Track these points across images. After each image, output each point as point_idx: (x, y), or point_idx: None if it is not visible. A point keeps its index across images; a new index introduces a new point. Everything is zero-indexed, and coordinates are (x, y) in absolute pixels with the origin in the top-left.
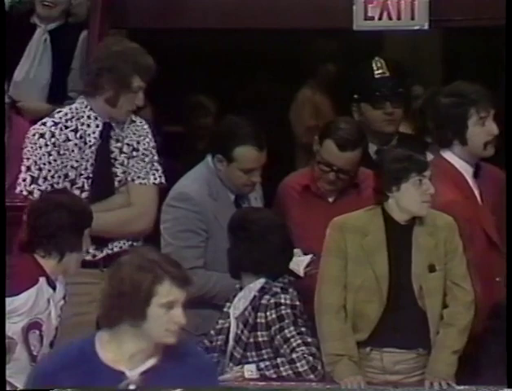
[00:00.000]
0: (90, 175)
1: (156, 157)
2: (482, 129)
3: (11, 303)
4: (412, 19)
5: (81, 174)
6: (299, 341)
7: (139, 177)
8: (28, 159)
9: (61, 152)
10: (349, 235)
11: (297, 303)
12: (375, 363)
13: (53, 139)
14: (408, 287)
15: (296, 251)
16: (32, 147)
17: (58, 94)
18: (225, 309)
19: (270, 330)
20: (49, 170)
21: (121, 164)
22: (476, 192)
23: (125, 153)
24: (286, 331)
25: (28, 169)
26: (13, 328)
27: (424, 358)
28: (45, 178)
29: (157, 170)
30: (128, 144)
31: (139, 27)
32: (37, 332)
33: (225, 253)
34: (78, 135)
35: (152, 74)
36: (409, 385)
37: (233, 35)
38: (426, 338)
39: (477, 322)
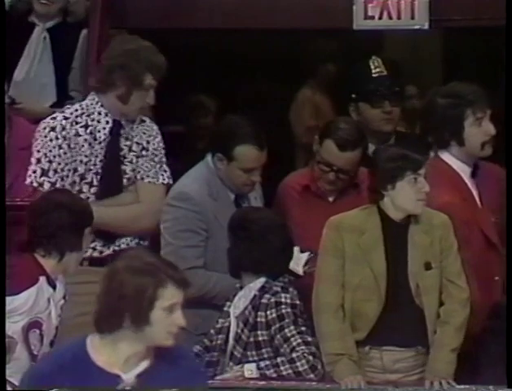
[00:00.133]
0: (99, 171)
1: (164, 159)
2: (479, 130)
3: (11, 302)
4: (412, 18)
5: (91, 169)
6: (299, 340)
7: (148, 175)
8: (38, 151)
9: (71, 146)
10: (346, 234)
11: (298, 302)
12: (374, 362)
13: (63, 132)
14: (405, 285)
15: (294, 249)
16: (42, 140)
17: (59, 93)
18: (225, 309)
19: (270, 329)
20: (59, 163)
21: (130, 162)
22: (474, 193)
23: (134, 152)
24: (286, 330)
25: (39, 161)
26: (13, 328)
27: (423, 356)
28: (55, 171)
29: (166, 171)
30: (137, 143)
31: (138, 27)
32: (38, 332)
33: (225, 253)
34: (88, 131)
35: (163, 73)
36: (409, 384)
37: (233, 35)
38: (425, 336)
39: (477, 322)
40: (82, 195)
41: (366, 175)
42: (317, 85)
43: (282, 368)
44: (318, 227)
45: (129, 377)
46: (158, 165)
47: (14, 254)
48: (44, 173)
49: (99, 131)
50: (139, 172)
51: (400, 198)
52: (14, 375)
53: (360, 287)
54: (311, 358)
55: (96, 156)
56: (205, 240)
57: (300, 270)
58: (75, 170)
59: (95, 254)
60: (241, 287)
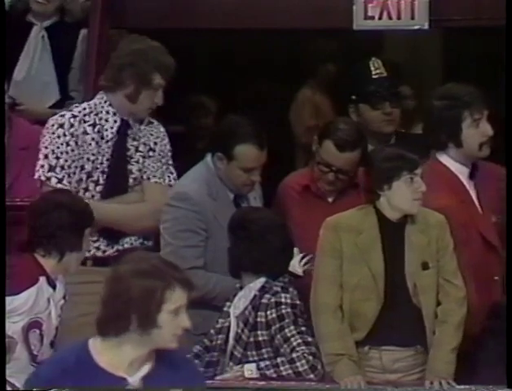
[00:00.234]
0: (106, 170)
1: (171, 161)
2: (476, 131)
3: (11, 302)
4: (412, 18)
5: (97, 168)
6: (299, 341)
7: (154, 176)
8: (46, 148)
9: (79, 143)
10: (343, 234)
11: (298, 302)
12: (374, 362)
13: (71, 130)
14: (403, 284)
15: (295, 251)
16: (50, 137)
17: (62, 91)
18: (225, 309)
19: (270, 329)
20: (66, 160)
21: (137, 162)
22: (473, 195)
23: (141, 152)
24: (286, 330)
25: (46, 156)
26: (13, 328)
27: (422, 355)
28: (62, 167)
29: (172, 173)
30: (145, 144)
31: (138, 27)
32: (38, 332)
33: (225, 253)
34: (96, 129)
35: (172, 73)
36: (409, 384)
37: (233, 35)
38: (423, 335)
39: (476, 322)
40: (88, 194)
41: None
42: (317, 85)
43: (282, 368)
44: (318, 227)
45: (134, 380)
46: (165, 166)
47: (14, 254)
48: (51, 168)
49: (106, 130)
50: (145, 172)
51: (397, 198)
52: (14, 375)
53: (359, 287)
54: (311, 358)
55: (103, 155)
56: (204, 240)
57: (300, 271)
58: (82, 168)
59: (99, 254)
60: (241, 288)
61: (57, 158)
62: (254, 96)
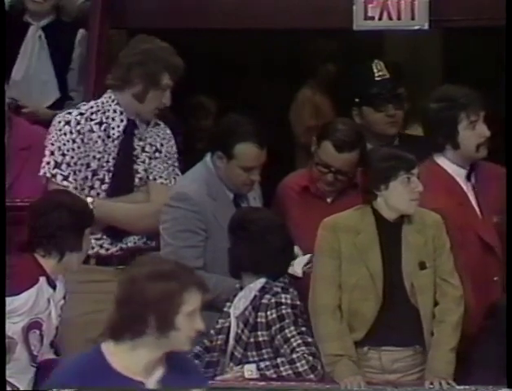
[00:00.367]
0: (112, 168)
1: (177, 163)
2: (473, 133)
3: (11, 303)
4: (413, 19)
5: (103, 166)
6: (299, 341)
7: (161, 177)
8: (52, 144)
9: (85, 141)
10: (342, 235)
11: (298, 303)
12: (373, 363)
13: (78, 127)
14: (400, 284)
15: (296, 251)
16: (57, 134)
17: (61, 89)
18: (225, 309)
19: (270, 329)
20: (72, 157)
21: (143, 162)
22: (470, 196)
23: (147, 152)
24: (286, 330)
25: (52, 153)
26: (13, 328)
27: (421, 355)
28: (68, 164)
29: (178, 174)
30: (151, 144)
31: (138, 27)
32: (38, 332)
33: (224, 253)
34: (102, 128)
35: (180, 74)
36: (408, 384)
37: (233, 35)
38: (422, 335)
39: (475, 322)
40: (93, 192)
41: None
42: (317, 85)
43: (282, 369)
44: (317, 228)
45: (151, 383)
46: (171, 168)
47: (14, 254)
48: (57, 165)
49: (113, 128)
50: (151, 172)
51: (393, 198)
52: (14, 375)
53: (357, 287)
54: (311, 358)
55: (109, 154)
56: (204, 240)
57: (299, 272)
58: (88, 165)
59: (102, 252)
60: (241, 288)
61: (63, 155)
62: (254, 96)
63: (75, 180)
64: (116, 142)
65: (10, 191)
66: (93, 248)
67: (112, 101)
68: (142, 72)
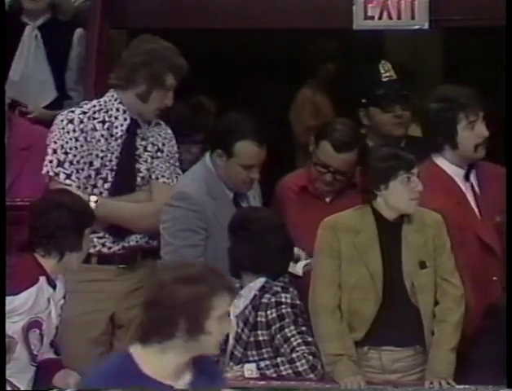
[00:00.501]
0: (115, 167)
1: (178, 163)
2: (471, 133)
3: (11, 302)
4: (412, 18)
5: (106, 165)
6: (299, 340)
7: (163, 176)
8: (55, 142)
9: (88, 139)
10: (342, 234)
11: (298, 302)
12: (373, 362)
13: (81, 125)
14: (401, 284)
15: (299, 253)
16: (59, 132)
17: (59, 89)
18: None
19: (270, 329)
20: (74, 155)
21: (145, 162)
22: (469, 197)
23: (149, 152)
24: (286, 330)
25: (55, 151)
26: (13, 327)
27: (421, 355)
28: (71, 162)
29: (179, 174)
30: (153, 144)
31: (138, 27)
32: (38, 331)
33: (225, 252)
34: (105, 126)
35: (184, 74)
36: (408, 384)
37: (233, 35)
38: (422, 335)
39: (475, 323)
40: (96, 190)
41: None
42: (317, 85)
43: (282, 368)
44: (315, 228)
45: (181, 385)
46: (173, 167)
47: (14, 254)
48: (60, 163)
49: (116, 127)
50: (154, 172)
51: (393, 198)
52: (14, 375)
53: (357, 287)
54: (310, 358)
55: (112, 153)
56: (204, 240)
57: (300, 272)
58: (91, 164)
59: (104, 250)
60: (241, 287)
61: (66, 153)
62: (254, 96)
63: (78, 178)
64: (119, 140)
65: (10, 191)
66: (95, 246)
67: (115, 100)
68: (146, 72)
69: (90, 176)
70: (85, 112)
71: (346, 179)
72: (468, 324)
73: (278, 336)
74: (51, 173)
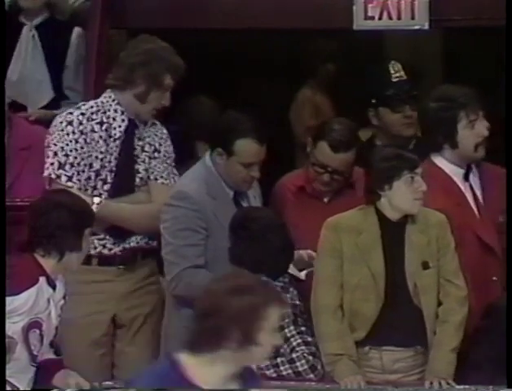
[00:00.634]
0: (114, 169)
1: (173, 163)
2: (471, 132)
3: (11, 303)
4: (413, 18)
5: (105, 166)
6: (299, 340)
7: (161, 176)
8: (55, 145)
9: (87, 141)
10: (344, 235)
11: (298, 302)
12: (374, 362)
13: (81, 127)
14: (403, 284)
15: (304, 256)
16: (59, 134)
17: (56, 89)
18: None
19: None
20: (75, 157)
21: (143, 162)
22: (468, 196)
23: (146, 152)
24: (286, 330)
25: (56, 154)
26: (13, 328)
27: (422, 355)
28: (71, 165)
29: (176, 174)
30: (150, 144)
31: (138, 27)
32: (38, 332)
33: (225, 252)
34: (104, 128)
35: (182, 74)
36: (408, 384)
37: (233, 35)
38: (424, 335)
39: (475, 322)
40: (96, 192)
41: (361, 175)
42: (317, 85)
43: (282, 368)
44: (313, 228)
45: None
46: (170, 168)
47: (14, 254)
48: (61, 166)
49: (114, 128)
50: (152, 172)
51: (397, 198)
52: (14, 375)
53: (359, 287)
54: (310, 358)
55: (111, 154)
56: (204, 239)
57: (303, 275)
58: (90, 166)
59: (105, 251)
60: None
61: (66, 155)
62: (254, 96)
63: (79, 180)
64: (117, 142)
65: (10, 191)
66: (96, 247)
67: (113, 101)
68: (145, 72)
69: (90, 177)
70: (83, 114)
71: (343, 179)
72: (468, 324)
73: None
74: (53, 176)
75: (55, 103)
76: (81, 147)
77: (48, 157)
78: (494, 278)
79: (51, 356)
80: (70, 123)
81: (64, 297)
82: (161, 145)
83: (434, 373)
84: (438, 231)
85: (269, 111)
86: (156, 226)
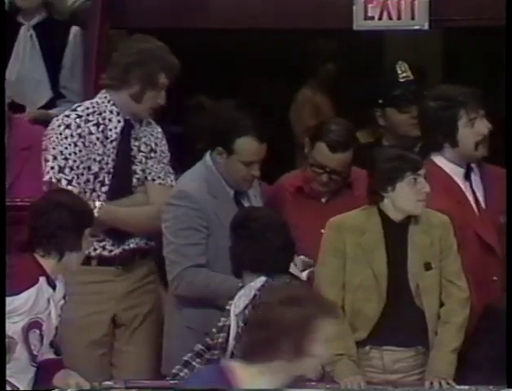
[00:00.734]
0: (112, 170)
1: (169, 162)
2: (471, 130)
3: (11, 303)
4: (413, 19)
5: (103, 168)
6: None
7: (159, 177)
8: (54, 148)
9: (86, 144)
10: (347, 235)
11: None
12: (375, 362)
13: (78, 130)
14: (406, 285)
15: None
16: (57, 138)
17: (54, 89)
18: (227, 307)
19: None
20: (74, 160)
21: (140, 163)
22: (469, 196)
23: (143, 152)
24: None
25: (55, 158)
26: (13, 328)
27: (422, 356)
28: (71, 168)
29: (172, 173)
30: (146, 144)
31: (138, 27)
32: (38, 332)
33: (226, 251)
34: (100, 129)
35: (177, 73)
36: (408, 384)
37: (233, 35)
38: (425, 336)
39: (476, 322)
40: (95, 194)
41: (358, 175)
42: (317, 85)
43: None
44: (311, 228)
45: None
46: (167, 167)
47: (14, 254)
48: (61, 170)
49: (110, 130)
50: (149, 173)
51: (400, 199)
52: (14, 375)
53: (361, 288)
54: None
55: (108, 156)
56: (206, 238)
57: (304, 276)
58: (89, 168)
59: (105, 253)
60: (242, 286)
61: (66, 159)
62: (254, 96)
63: (78, 184)
64: (114, 143)
65: (10, 191)
66: (95, 249)
67: (108, 101)
68: (140, 72)
69: (88, 180)
70: (80, 116)
71: (341, 179)
72: (468, 324)
73: None
74: (54, 180)
75: (53, 103)
76: (80, 150)
77: (47, 161)
78: (494, 278)
79: (51, 356)
80: (68, 126)
81: (64, 297)
82: (156, 145)
83: (435, 373)
84: (441, 232)
85: (269, 111)
86: (154, 226)
